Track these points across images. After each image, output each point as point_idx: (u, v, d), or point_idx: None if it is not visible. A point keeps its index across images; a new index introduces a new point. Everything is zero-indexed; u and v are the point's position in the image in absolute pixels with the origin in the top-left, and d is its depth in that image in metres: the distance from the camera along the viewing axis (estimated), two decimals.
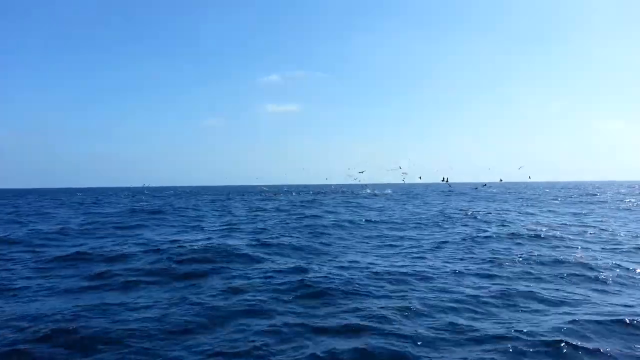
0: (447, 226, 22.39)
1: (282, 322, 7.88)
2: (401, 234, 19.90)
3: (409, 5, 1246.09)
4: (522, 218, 25.85)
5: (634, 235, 18.17)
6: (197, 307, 8.68)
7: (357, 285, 10.22)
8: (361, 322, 7.78)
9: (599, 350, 6.57)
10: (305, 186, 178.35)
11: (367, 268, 12.16)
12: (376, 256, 14.34)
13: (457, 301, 9.02)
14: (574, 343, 6.72)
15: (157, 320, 7.98)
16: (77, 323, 7.75)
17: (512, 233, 18.36)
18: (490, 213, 29.05)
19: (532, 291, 9.73)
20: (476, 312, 8.43)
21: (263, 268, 12.40)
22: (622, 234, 18.37)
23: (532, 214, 29.15)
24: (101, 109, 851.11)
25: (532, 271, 11.75)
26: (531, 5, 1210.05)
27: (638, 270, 11.65)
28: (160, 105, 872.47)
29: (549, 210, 31.94)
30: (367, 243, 17.30)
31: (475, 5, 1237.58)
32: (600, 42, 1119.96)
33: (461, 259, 13.53)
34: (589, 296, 9.53)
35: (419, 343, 6.91)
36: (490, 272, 11.61)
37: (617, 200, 43.04)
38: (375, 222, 24.48)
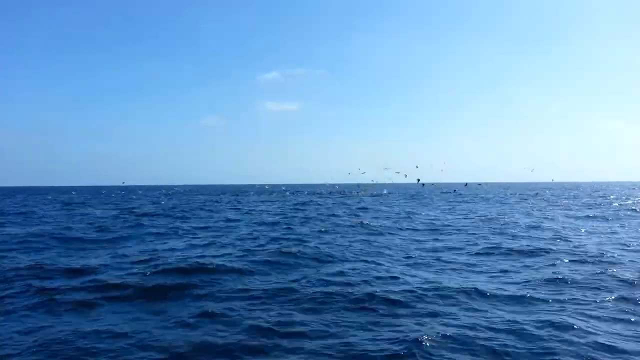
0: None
1: None
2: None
3: (409, 5, 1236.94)
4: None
5: None
6: None
7: None
8: None
9: None
10: (303, 185, 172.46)
11: None
12: None
13: None
14: None
15: None
16: None
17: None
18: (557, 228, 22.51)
19: None
20: None
21: None
22: None
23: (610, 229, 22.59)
24: (101, 109, 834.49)
25: None
26: (531, 6, 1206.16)
27: None
28: (160, 105, 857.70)
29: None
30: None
31: (475, 6, 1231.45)
32: (600, 42, 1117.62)
33: None
34: None
35: None
36: None
37: None
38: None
